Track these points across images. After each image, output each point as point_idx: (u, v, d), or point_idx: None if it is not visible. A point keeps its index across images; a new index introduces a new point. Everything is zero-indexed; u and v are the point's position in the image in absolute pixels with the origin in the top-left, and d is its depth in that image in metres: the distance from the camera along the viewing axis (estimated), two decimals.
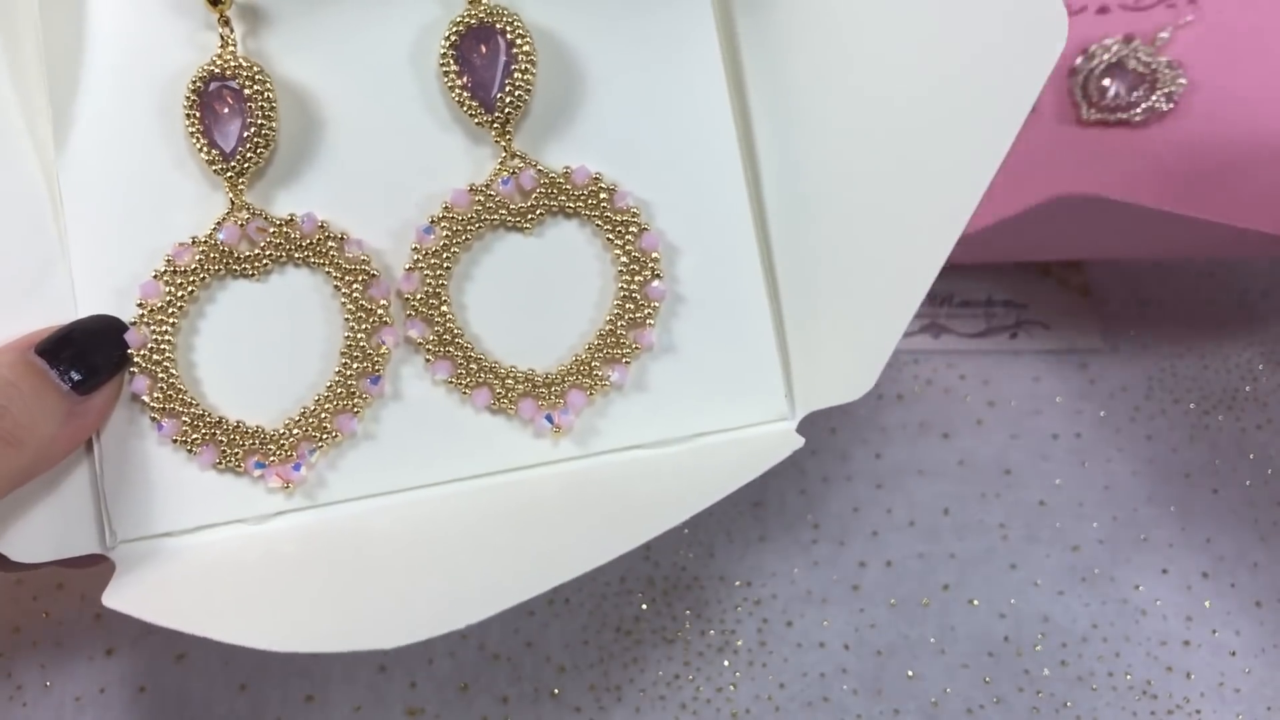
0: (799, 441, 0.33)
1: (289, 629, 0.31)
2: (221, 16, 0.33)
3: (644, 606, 0.44)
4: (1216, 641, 0.43)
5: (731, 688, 0.42)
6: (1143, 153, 0.50)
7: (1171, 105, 0.50)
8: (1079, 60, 0.51)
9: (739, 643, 0.43)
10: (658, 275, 0.34)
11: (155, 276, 0.33)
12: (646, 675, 0.43)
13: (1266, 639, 0.43)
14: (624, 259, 0.34)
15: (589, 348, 0.34)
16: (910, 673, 0.42)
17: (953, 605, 0.44)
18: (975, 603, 0.44)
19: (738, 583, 0.44)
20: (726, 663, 0.43)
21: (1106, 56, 0.51)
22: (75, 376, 0.31)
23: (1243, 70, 0.50)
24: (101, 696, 0.42)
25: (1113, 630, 0.43)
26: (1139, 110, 0.50)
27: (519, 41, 0.33)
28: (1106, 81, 0.50)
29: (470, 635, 0.43)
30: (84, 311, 0.33)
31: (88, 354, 0.32)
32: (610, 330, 0.34)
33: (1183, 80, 0.50)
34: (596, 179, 0.33)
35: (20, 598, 0.43)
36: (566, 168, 0.33)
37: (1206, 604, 0.43)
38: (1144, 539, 0.45)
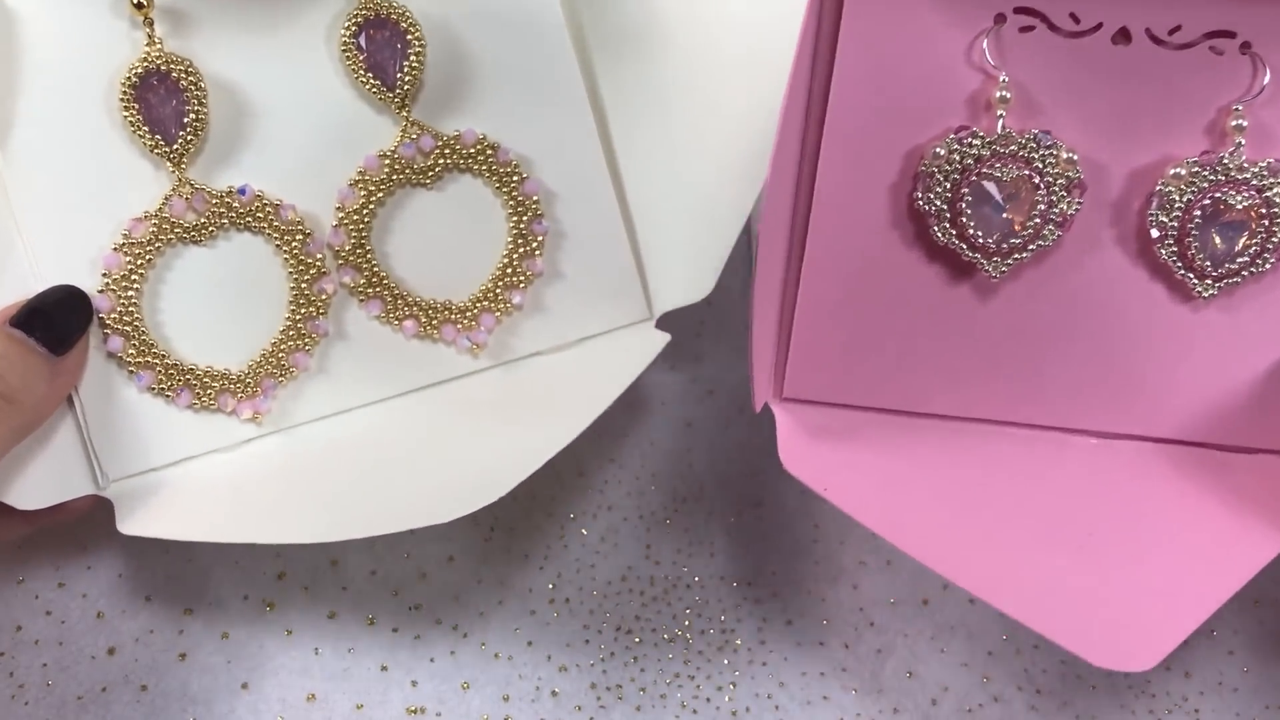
0: (664, 339, 0.42)
1: (281, 528, 0.37)
2: (146, 19, 0.38)
3: (644, 606, 0.44)
4: (1215, 640, 0.43)
5: (731, 687, 0.43)
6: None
7: None
8: (1154, 205, 0.37)
9: (739, 642, 0.44)
10: (539, 215, 0.41)
11: (115, 249, 0.38)
12: (646, 674, 0.43)
13: (1264, 637, 0.43)
14: (511, 203, 0.41)
15: (492, 278, 0.41)
16: (910, 672, 0.43)
17: (952, 604, 0.44)
18: (975, 602, 0.44)
19: (737, 583, 0.45)
20: (726, 662, 0.43)
21: (1193, 196, 0.37)
22: (50, 340, 0.36)
23: None
24: (103, 695, 0.42)
25: None
26: (1269, 258, 0.37)
27: (411, 30, 0.39)
28: (1215, 236, 0.37)
29: (470, 634, 0.44)
30: (53, 284, 0.37)
31: (56, 321, 0.37)
32: (507, 262, 0.41)
33: None
34: (482, 139, 0.41)
35: (21, 596, 0.43)
36: (457, 131, 0.40)
37: None
38: None
